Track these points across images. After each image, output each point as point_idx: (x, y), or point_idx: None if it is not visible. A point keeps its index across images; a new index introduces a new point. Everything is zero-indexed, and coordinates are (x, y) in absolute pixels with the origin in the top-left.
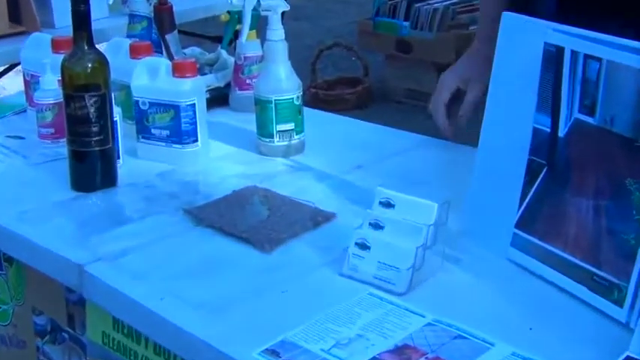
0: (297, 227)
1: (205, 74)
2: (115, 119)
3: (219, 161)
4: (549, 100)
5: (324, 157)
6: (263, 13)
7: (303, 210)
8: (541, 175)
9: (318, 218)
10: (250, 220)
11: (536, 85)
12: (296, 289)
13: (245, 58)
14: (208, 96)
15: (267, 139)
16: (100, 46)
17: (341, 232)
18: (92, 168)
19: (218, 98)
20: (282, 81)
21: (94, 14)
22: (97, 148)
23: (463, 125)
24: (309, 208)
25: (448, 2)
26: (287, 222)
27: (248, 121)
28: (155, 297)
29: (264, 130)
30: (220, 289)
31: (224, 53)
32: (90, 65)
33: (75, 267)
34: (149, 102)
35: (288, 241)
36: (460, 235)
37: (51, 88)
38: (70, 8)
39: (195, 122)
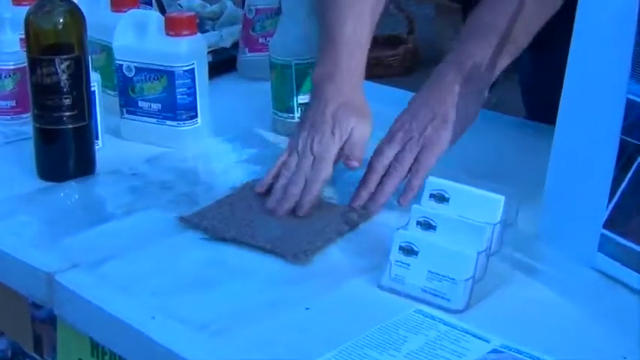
0: (330, 232)
1: (207, 31)
2: (92, 89)
3: (225, 143)
4: None
5: None
6: None
7: (334, 209)
8: (638, 161)
9: (352, 217)
10: (270, 226)
11: (631, 46)
12: (323, 306)
13: (257, 10)
14: (211, 59)
15: (286, 115)
16: None
17: (380, 233)
18: (64, 151)
19: (223, 62)
20: (304, 40)
21: None
22: (70, 126)
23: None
24: (341, 205)
25: None
26: (317, 226)
27: (261, 92)
28: (144, 315)
29: (281, 103)
30: (226, 306)
31: (230, 5)
32: (61, 20)
33: (43, 276)
34: (135, 67)
35: (323, 249)
36: (534, 237)
37: (11, 50)
38: None
39: (194, 93)
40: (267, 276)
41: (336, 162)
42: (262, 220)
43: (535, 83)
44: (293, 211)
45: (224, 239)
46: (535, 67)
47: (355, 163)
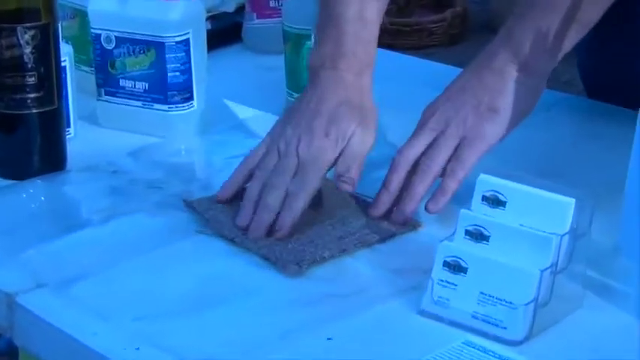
0: (349, 241)
1: None
2: (62, 65)
3: (228, 131)
4: None
5: (394, 125)
6: None
7: (367, 210)
8: None
9: (387, 227)
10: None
11: None
12: (348, 336)
13: None
14: (210, 27)
15: None
16: None
17: (420, 245)
18: (27, 142)
19: (225, 31)
20: None
21: None
22: (35, 111)
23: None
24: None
25: None
26: (337, 230)
27: (272, 68)
28: (126, 345)
29: (297, 82)
30: (227, 335)
31: None
32: None
33: (1, 298)
34: (116, 37)
35: (330, 260)
36: (611, 251)
37: None
38: None
39: (189, 70)
40: (277, 296)
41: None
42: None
43: (599, 62)
44: (328, 204)
45: (222, 236)
46: (602, 43)
47: (348, 187)
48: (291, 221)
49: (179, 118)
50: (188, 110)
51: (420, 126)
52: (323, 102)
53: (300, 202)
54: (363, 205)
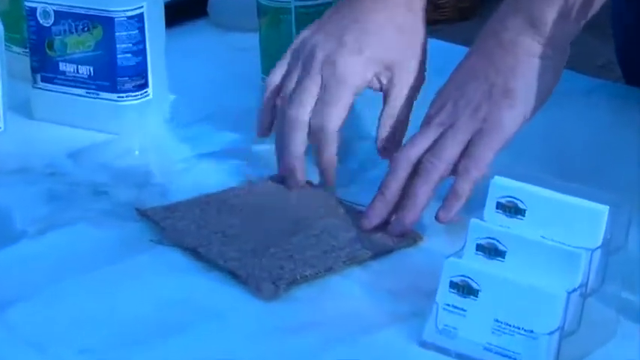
0: (336, 257)
1: None
2: None
3: (190, 126)
4: None
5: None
6: None
7: (359, 220)
8: None
9: (383, 240)
10: (251, 238)
11: None
12: None
13: None
14: None
15: None
16: None
17: (421, 262)
18: None
19: (188, 4)
20: None
21: None
22: None
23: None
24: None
25: None
26: (324, 244)
27: (244, 48)
28: None
29: (275, 65)
30: None
31: None
32: None
33: None
34: (55, 11)
35: (314, 279)
36: None
37: None
38: None
39: (144, 50)
40: (249, 322)
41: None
42: (243, 228)
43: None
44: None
45: (183, 247)
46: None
47: (387, 155)
48: (332, 142)
49: (132, 110)
50: (142, 100)
51: (426, 121)
52: (363, 14)
53: (336, 113)
54: (354, 213)
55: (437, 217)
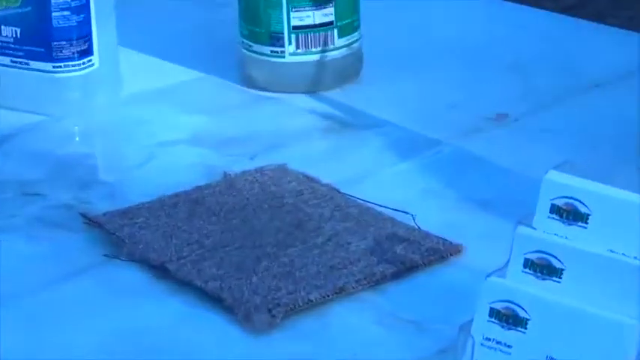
0: (348, 274)
1: None
2: None
3: (150, 104)
4: None
5: (413, 94)
6: None
7: (379, 223)
8: None
9: (412, 256)
10: (242, 247)
11: None
12: None
13: None
14: None
15: (267, 49)
16: None
17: (454, 282)
18: None
19: None
20: None
21: None
22: None
23: None
24: (395, 221)
25: None
26: (330, 256)
27: (219, 4)
28: None
29: (257, 26)
30: None
31: None
32: None
33: None
34: None
35: (320, 306)
36: None
37: None
38: None
39: (87, 6)
40: None
41: None
42: (225, 237)
43: None
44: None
45: (148, 263)
46: None
47: None
48: None
49: (71, 84)
50: (85, 71)
51: None
52: None
53: None
54: (371, 215)
55: None
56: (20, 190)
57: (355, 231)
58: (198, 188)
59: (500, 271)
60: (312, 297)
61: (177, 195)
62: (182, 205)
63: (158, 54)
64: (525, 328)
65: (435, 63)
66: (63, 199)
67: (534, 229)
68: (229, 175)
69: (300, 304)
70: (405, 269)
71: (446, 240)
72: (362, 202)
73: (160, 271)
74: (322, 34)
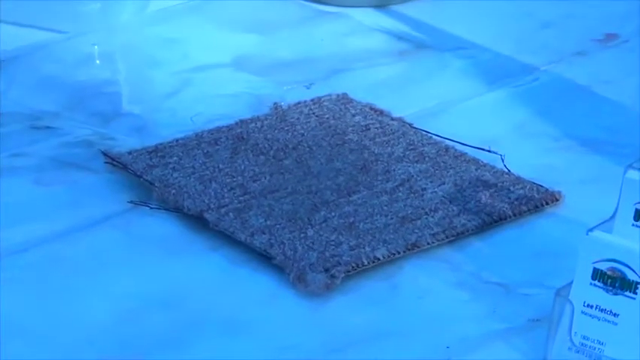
0: (424, 226)
1: None
2: None
3: (180, 21)
4: None
5: (502, 9)
6: None
7: (462, 165)
8: None
9: (501, 206)
10: (295, 193)
11: None
12: None
13: None
14: None
15: None
16: None
17: (551, 237)
18: None
19: None
20: None
21: None
22: None
23: None
24: (482, 163)
25: None
26: (406, 208)
27: None
28: None
29: None
30: None
31: None
32: None
33: None
34: None
35: (388, 265)
36: None
37: None
38: None
39: None
40: (290, 336)
41: None
42: (275, 179)
43: None
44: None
45: (182, 211)
46: None
47: None
48: None
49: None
50: None
51: None
52: None
53: None
54: (452, 156)
55: None
56: (28, 124)
57: (432, 174)
58: (243, 122)
59: (606, 224)
60: (379, 254)
61: (217, 130)
62: (223, 143)
63: None
64: (635, 294)
65: None
66: (80, 134)
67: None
68: (280, 106)
69: (365, 262)
70: (491, 221)
71: (541, 186)
72: (440, 139)
73: (197, 221)
74: None
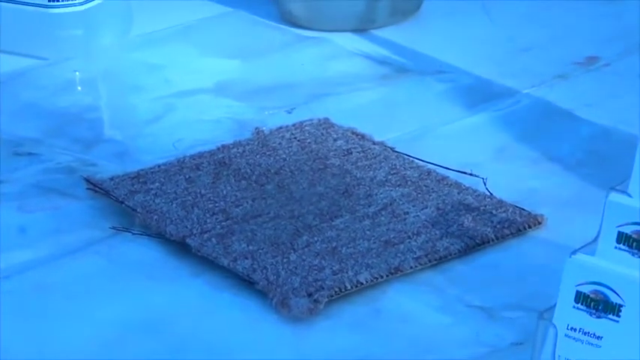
0: (406, 250)
1: None
2: None
3: (163, 47)
4: None
5: (483, 33)
6: None
7: (443, 188)
8: None
9: (483, 229)
10: (278, 217)
11: None
12: None
13: None
14: None
15: None
16: None
17: (531, 260)
18: None
19: None
20: None
21: None
22: None
23: None
24: (468, 194)
25: None
26: (389, 232)
27: None
28: None
29: None
30: None
31: None
32: None
33: None
34: None
35: (371, 287)
36: None
37: None
38: None
39: None
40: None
41: None
42: (258, 204)
43: None
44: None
45: (165, 236)
46: None
47: None
48: None
49: (70, 21)
50: (87, 5)
51: None
52: None
53: None
54: (434, 180)
55: None
56: (11, 150)
57: (414, 198)
58: (225, 147)
59: (589, 247)
60: (362, 278)
61: (199, 155)
62: (205, 168)
63: None
64: (618, 316)
65: None
66: (62, 160)
67: (630, 196)
68: (262, 131)
69: (348, 286)
70: (473, 245)
71: (523, 209)
72: (422, 163)
73: (180, 247)
74: None
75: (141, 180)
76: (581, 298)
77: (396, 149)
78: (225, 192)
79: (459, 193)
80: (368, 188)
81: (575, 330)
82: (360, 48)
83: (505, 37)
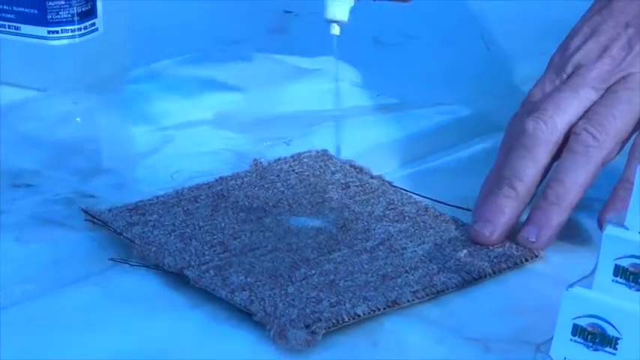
0: (404, 284)
1: None
2: None
3: (162, 80)
4: None
5: (480, 63)
6: None
7: (442, 226)
8: None
9: (480, 264)
10: (276, 251)
11: None
12: None
13: None
14: None
15: None
16: None
17: (530, 294)
18: None
19: None
20: None
21: None
22: None
23: None
24: (465, 229)
25: None
26: (386, 266)
27: None
28: None
29: None
30: None
31: None
32: None
33: None
34: None
35: (368, 320)
36: None
37: None
38: None
39: None
40: None
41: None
42: (255, 238)
43: None
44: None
45: (162, 268)
46: None
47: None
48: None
49: (69, 53)
50: (87, 37)
51: (549, 68)
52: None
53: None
54: (432, 216)
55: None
56: (9, 181)
57: (412, 234)
58: (223, 179)
59: (586, 280)
60: (359, 311)
61: (197, 187)
62: (203, 200)
63: (173, 17)
64: (615, 349)
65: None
66: (61, 191)
67: (627, 229)
68: (260, 162)
69: (346, 318)
70: (471, 279)
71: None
72: (420, 198)
73: (178, 278)
74: None
75: (139, 211)
76: (578, 331)
77: (394, 184)
78: (223, 224)
79: (456, 229)
80: (366, 223)
81: None
82: (358, 80)
83: (504, 69)
